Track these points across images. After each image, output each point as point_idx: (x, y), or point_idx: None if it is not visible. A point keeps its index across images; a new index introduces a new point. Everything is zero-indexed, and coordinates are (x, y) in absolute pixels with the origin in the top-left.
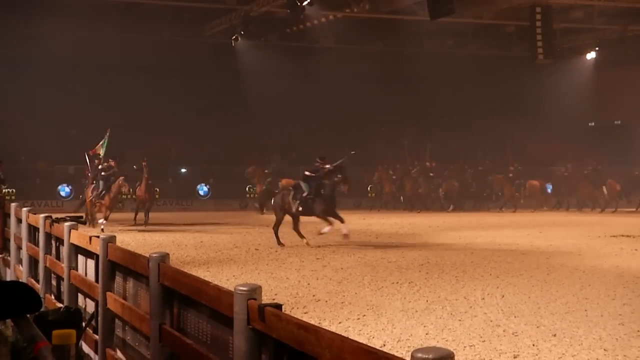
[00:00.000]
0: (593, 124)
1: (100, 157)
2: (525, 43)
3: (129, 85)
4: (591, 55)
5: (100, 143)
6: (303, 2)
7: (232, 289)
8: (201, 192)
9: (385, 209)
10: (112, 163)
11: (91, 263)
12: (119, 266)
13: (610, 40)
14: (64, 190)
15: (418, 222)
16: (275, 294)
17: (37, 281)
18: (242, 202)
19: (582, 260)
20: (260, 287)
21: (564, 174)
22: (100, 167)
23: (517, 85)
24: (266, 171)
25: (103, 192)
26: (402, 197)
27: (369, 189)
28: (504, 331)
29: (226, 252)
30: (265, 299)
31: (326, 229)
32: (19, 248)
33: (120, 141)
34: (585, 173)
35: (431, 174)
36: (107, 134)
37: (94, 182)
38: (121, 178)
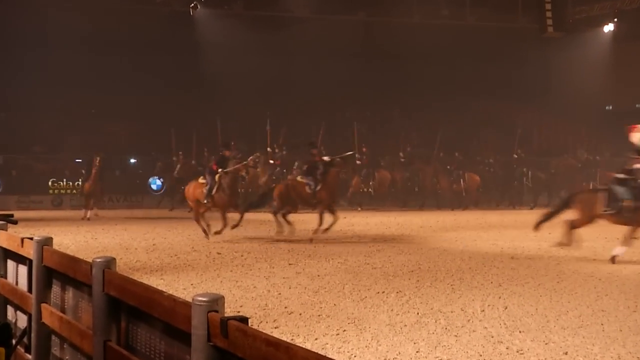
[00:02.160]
0: (610, 107)
1: None
2: (532, 13)
3: (67, 61)
4: (609, 28)
5: None
6: None
7: (190, 300)
8: (154, 187)
9: (370, 207)
10: None
11: (23, 270)
12: (57, 273)
13: (630, 11)
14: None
15: (407, 222)
16: (241, 306)
17: None
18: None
19: (598, 266)
20: (222, 297)
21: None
22: None
23: (522, 63)
24: (271, 162)
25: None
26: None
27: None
28: (507, 348)
29: (183, 257)
30: (229, 311)
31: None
32: None
33: (58, 127)
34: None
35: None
36: None
37: None
38: None
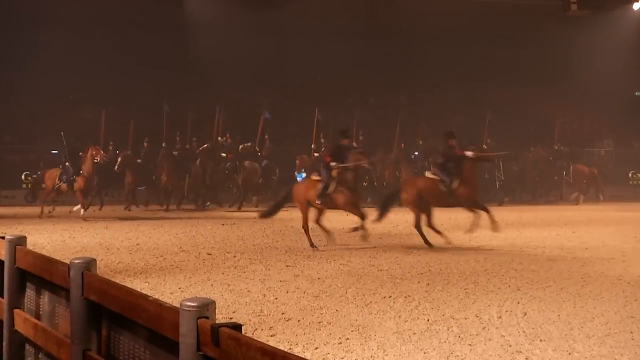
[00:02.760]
0: None
1: None
2: None
3: (40, 43)
4: (639, 5)
5: None
6: None
7: (178, 305)
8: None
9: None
10: None
11: None
12: (31, 276)
13: None
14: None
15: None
16: (234, 312)
17: None
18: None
19: (627, 268)
20: (213, 302)
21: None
22: None
23: (542, 44)
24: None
25: None
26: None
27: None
28: (526, 359)
29: (170, 258)
30: (221, 317)
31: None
32: None
33: (31, 115)
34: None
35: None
36: None
37: None
38: None
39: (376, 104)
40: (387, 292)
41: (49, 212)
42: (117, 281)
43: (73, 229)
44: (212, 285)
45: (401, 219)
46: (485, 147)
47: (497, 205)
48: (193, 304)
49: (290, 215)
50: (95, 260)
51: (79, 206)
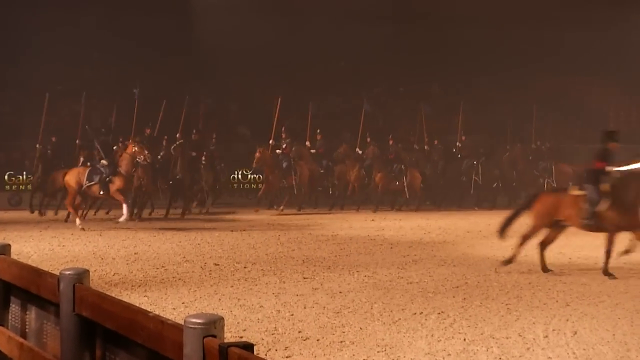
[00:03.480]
0: None
1: None
2: None
3: (23, 25)
4: None
5: None
6: None
7: (181, 322)
8: None
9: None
10: None
11: None
12: (16, 289)
13: None
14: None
15: (451, 226)
16: (244, 330)
17: None
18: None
19: None
20: (222, 318)
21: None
22: None
23: (596, 27)
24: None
25: None
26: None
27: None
28: None
29: (172, 269)
30: (230, 336)
31: None
32: None
33: (12, 107)
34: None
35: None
36: None
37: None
38: None
39: (405, 93)
40: (417, 307)
41: (41, 214)
42: (113, 295)
43: (63, 236)
44: (219, 299)
45: (434, 225)
46: (459, 144)
47: (475, 209)
48: (198, 321)
49: (307, 222)
50: (88, 271)
51: (125, 216)
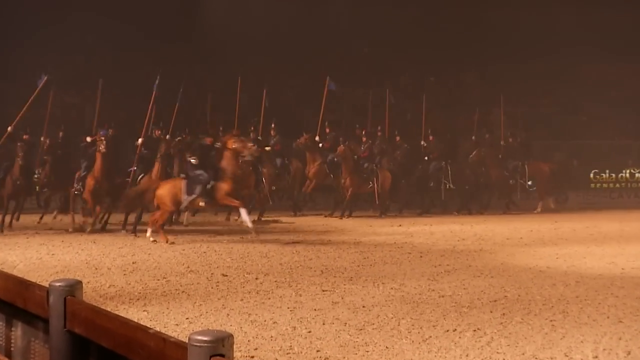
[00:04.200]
0: None
1: None
2: None
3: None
4: None
5: None
6: None
7: (185, 339)
8: None
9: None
10: None
11: None
12: (0, 302)
13: None
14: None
15: (489, 232)
16: (256, 348)
17: None
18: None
19: None
20: (230, 336)
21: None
22: None
23: None
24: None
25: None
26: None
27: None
28: None
29: (175, 280)
30: (239, 355)
31: None
32: None
33: None
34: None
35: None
36: None
37: None
38: None
39: (437, 82)
40: (450, 324)
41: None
42: (109, 309)
43: (52, 244)
44: (228, 314)
45: (469, 231)
46: (424, 143)
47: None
48: (204, 339)
49: (327, 227)
50: (80, 282)
51: (245, 218)
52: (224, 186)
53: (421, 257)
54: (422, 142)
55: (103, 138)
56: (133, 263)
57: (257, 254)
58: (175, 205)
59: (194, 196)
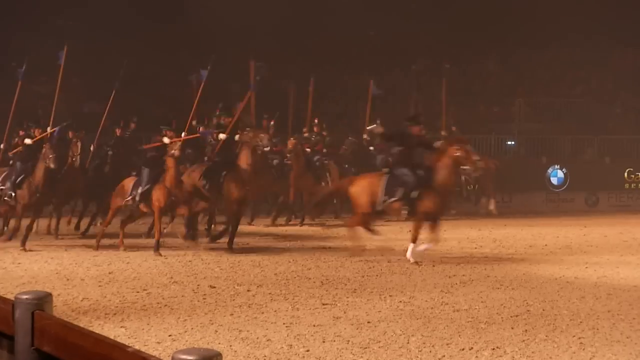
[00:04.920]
0: None
1: None
2: None
3: None
4: None
5: None
6: None
7: (168, 359)
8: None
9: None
10: None
11: None
12: None
13: None
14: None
15: (510, 238)
16: None
17: None
18: None
19: None
20: (219, 355)
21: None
22: None
23: None
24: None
25: None
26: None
27: None
28: None
29: (156, 293)
30: None
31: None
32: None
33: None
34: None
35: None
36: None
37: None
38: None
39: (452, 70)
40: (466, 341)
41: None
42: (82, 325)
43: (18, 252)
44: (216, 331)
45: (487, 237)
46: (366, 137)
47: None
48: (190, 358)
49: (328, 232)
50: (50, 295)
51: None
52: (430, 198)
53: (433, 266)
54: (365, 135)
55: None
56: (109, 273)
57: (249, 263)
58: (371, 206)
59: (393, 200)
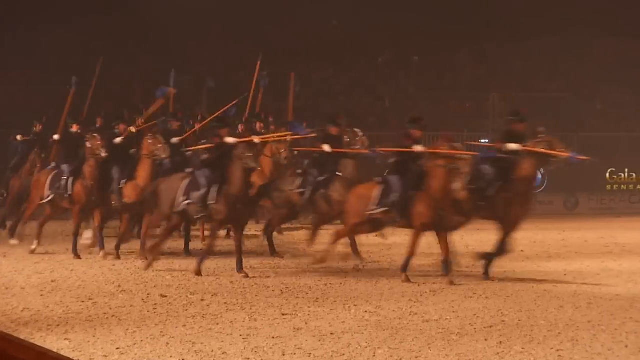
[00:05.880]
0: None
1: None
2: None
3: None
4: None
5: None
6: None
7: None
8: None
9: None
10: None
11: None
12: None
13: None
14: None
15: (485, 243)
16: None
17: None
18: None
19: None
20: None
21: None
22: None
23: None
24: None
25: None
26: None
27: None
28: None
29: (103, 302)
30: None
31: None
32: None
33: None
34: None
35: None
36: None
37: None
38: None
39: (421, 64)
40: (437, 354)
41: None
42: (23, 337)
43: None
44: (167, 343)
45: (459, 242)
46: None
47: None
48: None
49: (287, 237)
50: None
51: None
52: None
53: (422, 276)
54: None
55: None
56: (52, 281)
57: (204, 270)
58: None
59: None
